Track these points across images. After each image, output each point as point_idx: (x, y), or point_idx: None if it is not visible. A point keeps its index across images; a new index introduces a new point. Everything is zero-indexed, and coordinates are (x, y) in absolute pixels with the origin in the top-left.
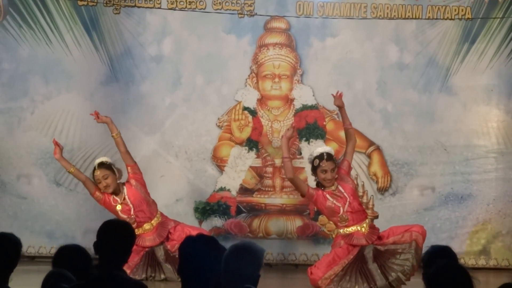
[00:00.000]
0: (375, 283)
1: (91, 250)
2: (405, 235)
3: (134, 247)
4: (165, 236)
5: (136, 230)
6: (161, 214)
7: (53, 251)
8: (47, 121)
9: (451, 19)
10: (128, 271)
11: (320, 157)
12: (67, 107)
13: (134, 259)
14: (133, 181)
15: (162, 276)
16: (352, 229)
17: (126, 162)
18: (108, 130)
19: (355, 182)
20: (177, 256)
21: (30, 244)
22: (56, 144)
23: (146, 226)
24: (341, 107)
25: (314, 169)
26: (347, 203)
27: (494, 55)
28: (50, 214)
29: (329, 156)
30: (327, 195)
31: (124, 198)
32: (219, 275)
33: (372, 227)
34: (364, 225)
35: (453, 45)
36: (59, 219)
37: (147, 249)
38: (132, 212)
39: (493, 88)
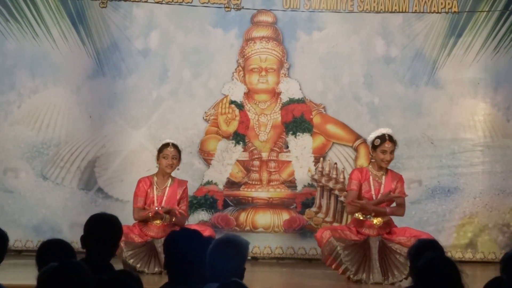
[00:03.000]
0: (370, 276)
1: (78, 244)
2: (412, 240)
3: (138, 232)
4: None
5: (149, 219)
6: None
7: None
8: (34, 115)
9: (437, 12)
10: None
11: (382, 137)
12: (53, 101)
13: (133, 238)
14: (181, 190)
15: (156, 269)
16: (363, 217)
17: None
18: (94, 124)
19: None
20: None
21: (17, 238)
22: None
23: (157, 221)
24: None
25: (374, 148)
26: (379, 195)
27: (480, 48)
28: (37, 208)
29: (391, 138)
30: (370, 176)
31: (165, 188)
32: (204, 268)
33: (386, 222)
34: (379, 220)
35: (439, 38)
36: (46, 213)
37: (149, 238)
38: (163, 203)
39: (480, 81)
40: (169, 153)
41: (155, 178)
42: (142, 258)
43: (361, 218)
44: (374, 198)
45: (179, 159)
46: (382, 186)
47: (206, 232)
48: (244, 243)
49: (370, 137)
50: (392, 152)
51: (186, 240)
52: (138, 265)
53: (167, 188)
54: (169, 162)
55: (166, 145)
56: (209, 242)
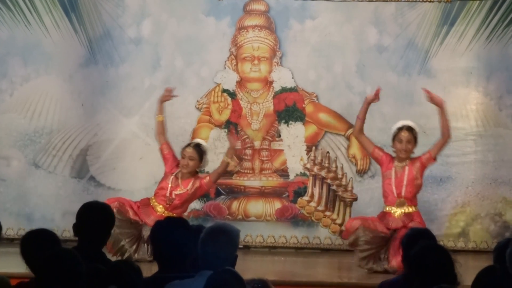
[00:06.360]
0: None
1: (70, 232)
2: None
3: (135, 208)
4: None
5: (154, 200)
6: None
7: None
8: (26, 103)
9: (430, 1)
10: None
11: (400, 127)
12: (46, 89)
13: (128, 211)
14: (196, 184)
15: (136, 255)
16: (389, 208)
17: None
18: (86, 112)
19: (421, 181)
20: None
21: (9, 226)
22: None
23: (159, 208)
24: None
25: (393, 139)
26: (403, 187)
27: (473, 37)
28: (29, 196)
29: (409, 128)
30: (393, 167)
31: (181, 184)
32: (194, 255)
33: (408, 215)
34: (400, 211)
35: (432, 27)
36: (38, 201)
37: (139, 221)
38: (173, 195)
39: (472, 70)
40: (186, 154)
41: (180, 173)
42: (126, 233)
43: (386, 209)
44: (394, 189)
45: (198, 160)
46: (405, 176)
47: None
48: (235, 231)
49: (391, 129)
50: (409, 141)
51: (172, 229)
52: (128, 246)
53: (185, 185)
54: (185, 162)
55: (187, 145)
56: (198, 230)
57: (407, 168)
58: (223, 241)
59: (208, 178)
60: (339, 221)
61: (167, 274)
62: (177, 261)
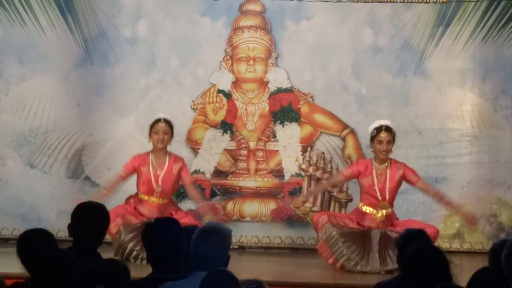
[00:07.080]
0: (369, 264)
1: (65, 232)
2: None
3: (132, 210)
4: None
5: (142, 195)
6: (171, 199)
7: None
8: (22, 102)
9: (426, 2)
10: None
11: (379, 128)
12: (41, 89)
13: (130, 219)
14: (178, 167)
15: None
16: (368, 209)
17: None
18: (81, 112)
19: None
20: None
21: (4, 226)
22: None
23: (153, 198)
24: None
25: (372, 140)
26: (386, 190)
27: (468, 38)
28: (24, 196)
29: (388, 128)
30: (373, 169)
31: (163, 166)
32: (187, 256)
33: (388, 216)
34: (381, 213)
35: (428, 28)
36: (33, 201)
37: (144, 218)
38: (159, 181)
39: (468, 71)
40: (160, 129)
41: (151, 156)
42: (140, 241)
43: (364, 210)
44: (377, 192)
45: (171, 134)
46: (388, 181)
47: (185, 219)
48: (227, 230)
49: (369, 129)
50: (389, 142)
51: (163, 229)
52: (137, 248)
53: (165, 166)
54: (160, 137)
55: (157, 120)
56: (189, 230)
57: (388, 171)
58: (215, 241)
59: (191, 180)
60: None
61: (160, 275)
62: (170, 262)
